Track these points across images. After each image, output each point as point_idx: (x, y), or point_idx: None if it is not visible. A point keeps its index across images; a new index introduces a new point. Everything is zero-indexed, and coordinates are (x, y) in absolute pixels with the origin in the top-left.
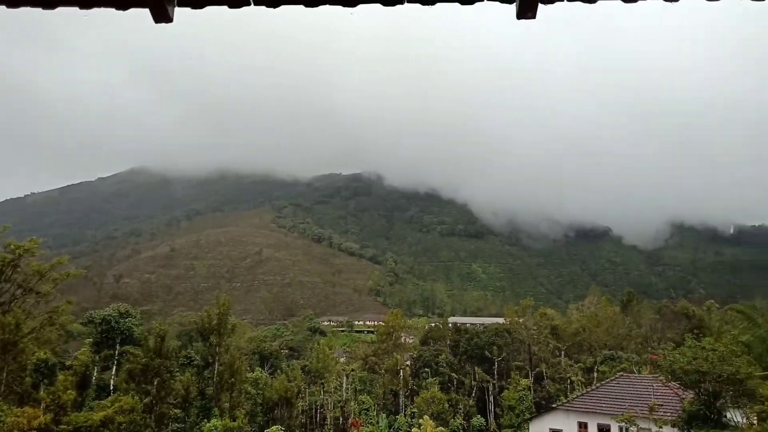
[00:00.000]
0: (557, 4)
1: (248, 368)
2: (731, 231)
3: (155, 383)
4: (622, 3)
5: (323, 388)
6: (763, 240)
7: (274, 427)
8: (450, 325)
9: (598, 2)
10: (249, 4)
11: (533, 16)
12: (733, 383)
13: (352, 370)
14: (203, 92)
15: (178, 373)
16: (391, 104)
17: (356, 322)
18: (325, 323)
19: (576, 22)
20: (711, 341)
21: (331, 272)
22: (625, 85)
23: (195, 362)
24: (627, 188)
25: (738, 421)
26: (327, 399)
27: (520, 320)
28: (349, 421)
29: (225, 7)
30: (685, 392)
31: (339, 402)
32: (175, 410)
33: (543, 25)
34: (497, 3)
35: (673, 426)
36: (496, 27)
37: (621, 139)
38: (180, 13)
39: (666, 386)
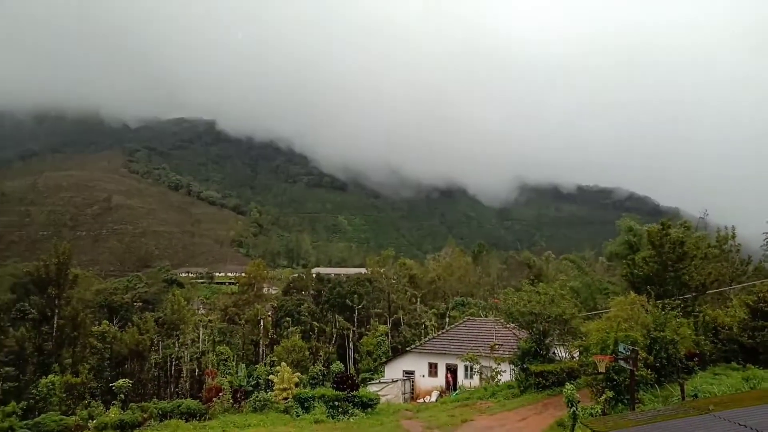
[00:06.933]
0: None
1: (95, 322)
2: (571, 190)
3: None
4: None
5: (179, 340)
6: (595, 198)
7: (120, 381)
8: (313, 275)
9: None
10: None
11: None
12: (560, 323)
13: (210, 321)
14: (28, 16)
15: (11, 329)
16: (232, 51)
17: (217, 274)
18: (183, 275)
19: None
20: (544, 286)
21: (190, 222)
22: (476, 50)
23: (31, 316)
24: (481, 151)
25: (562, 356)
26: (183, 351)
27: (381, 270)
28: (205, 372)
29: None
30: (521, 332)
31: (196, 354)
32: (8, 368)
33: None
34: None
35: (510, 363)
36: None
37: (473, 105)
38: None
39: (505, 327)
